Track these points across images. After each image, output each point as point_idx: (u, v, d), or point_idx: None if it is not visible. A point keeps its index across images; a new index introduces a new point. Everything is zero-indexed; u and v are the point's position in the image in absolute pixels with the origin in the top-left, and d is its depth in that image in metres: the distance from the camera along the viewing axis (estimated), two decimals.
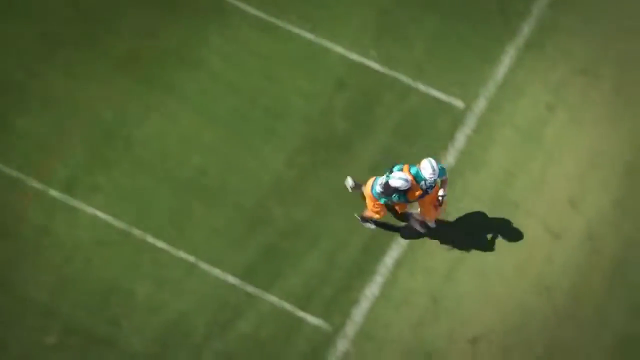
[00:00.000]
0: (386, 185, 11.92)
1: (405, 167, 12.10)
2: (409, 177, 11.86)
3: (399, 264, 12.79)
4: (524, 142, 13.76)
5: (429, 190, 12.01)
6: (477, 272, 12.70)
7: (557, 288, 12.55)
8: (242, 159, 13.73)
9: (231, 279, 12.73)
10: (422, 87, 14.25)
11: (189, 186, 13.45)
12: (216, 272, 12.77)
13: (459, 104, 14.10)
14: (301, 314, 12.48)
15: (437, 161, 12.28)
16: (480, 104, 14.11)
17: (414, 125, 13.96)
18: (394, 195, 12.01)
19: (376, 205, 12.40)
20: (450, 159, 13.59)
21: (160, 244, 12.88)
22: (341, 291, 12.58)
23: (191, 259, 12.83)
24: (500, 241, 12.92)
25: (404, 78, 14.36)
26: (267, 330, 12.32)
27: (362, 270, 12.72)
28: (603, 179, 13.31)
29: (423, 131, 13.93)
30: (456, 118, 13.99)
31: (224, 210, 13.18)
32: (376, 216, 12.54)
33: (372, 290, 12.68)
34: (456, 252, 12.84)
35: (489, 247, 12.89)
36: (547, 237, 12.97)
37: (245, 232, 13.13)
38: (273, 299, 12.58)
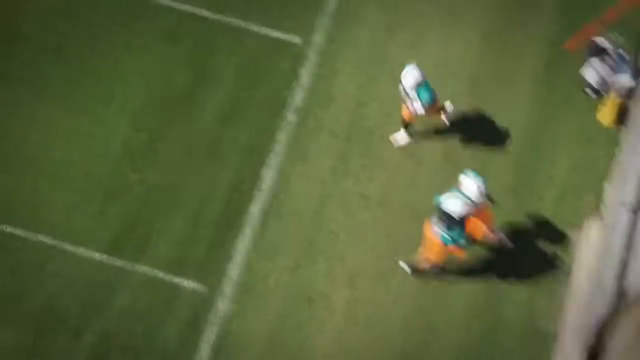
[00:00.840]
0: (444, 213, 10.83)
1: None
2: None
3: (266, 212, 12.35)
4: (368, 67, 13.53)
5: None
6: (343, 205, 12.43)
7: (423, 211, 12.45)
8: (84, 128, 12.69)
9: (97, 256, 11.97)
10: (255, 28, 13.71)
11: (32, 164, 12.29)
12: (80, 250, 11.91)
13: (296, 39, 13.66)
14: (176, 279, 11.96)
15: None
16: (318, 37, 13.78)
17: (254, 68, 13.53)
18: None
19: (438, 250, 11.22)
20: (297, 98, 13.18)
21: (13, 230, 11.84)
22: (212, 249, 12.11)
23: (50, 240, 11.89)
24: (361, 170, 12.66)
25: (234, 21, 13.72)
26: (144, 302, 11.75)
27: (230, 224, 12.26)
28: (450, 95, 13.19)
29: (265, 73, 13.53)
30: (296, 55, 13.63)
31: (75, 183, 12.28)
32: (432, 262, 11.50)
33: (244, 243, 12.25)
34: (320, 190, 12.49)
35: (352, 178, 12.61)
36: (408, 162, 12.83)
37: (103, 204, 12.33)
38: (144, 269, 12.00)
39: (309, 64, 13.46)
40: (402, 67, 12.54)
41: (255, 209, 12.42)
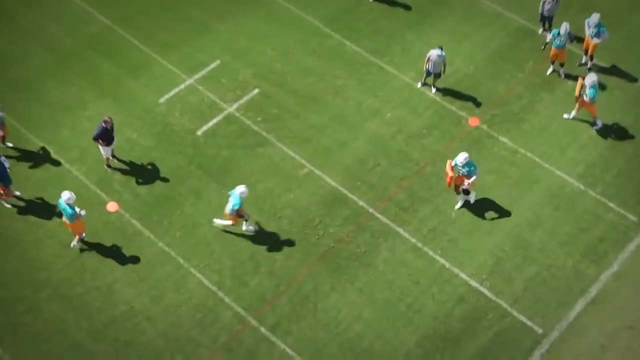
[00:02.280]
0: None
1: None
2: None
3: None
4: None
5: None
6: None
7: None
8: (387, 335, 19.04)
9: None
10: (515, 313, 19.32)
11: (348, 346, 18.70)
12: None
13: (538, 329, 18.98)
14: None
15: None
16: (554, 334, 18.96)
17: (506, 337, 18.87)
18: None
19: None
20: None
21: None
22: None
23: None
24: None
25: (504, 304, 19.54)
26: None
27: None
28: None
29: (512, 343, 18.81)
30: (535, 339, 18.83)
31: None
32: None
33: None
34: None
35: None
36: None
37: None
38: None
39: (542, 348, 18.81)
40: None
41: None
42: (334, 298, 19.32)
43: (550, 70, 23.18)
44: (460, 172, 19.68)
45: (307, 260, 20.08)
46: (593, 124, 21.69)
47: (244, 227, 19.92)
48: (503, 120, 22.95)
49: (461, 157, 19.53)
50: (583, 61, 23.11)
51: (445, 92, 23.34)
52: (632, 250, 20.23)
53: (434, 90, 22.71)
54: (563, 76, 23.13)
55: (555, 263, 20.16)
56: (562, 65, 23.10)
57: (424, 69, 22.76)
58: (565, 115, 21.89)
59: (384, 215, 20.95)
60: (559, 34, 22.35)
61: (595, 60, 23.47)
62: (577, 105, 21.61)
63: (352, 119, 22.88)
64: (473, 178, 19.48)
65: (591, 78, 20.92)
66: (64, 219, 19.04)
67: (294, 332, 18.85)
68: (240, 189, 19.22)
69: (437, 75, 22.60)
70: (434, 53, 22.03)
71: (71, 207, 18.56)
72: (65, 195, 18.59)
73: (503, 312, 19.39)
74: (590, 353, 18.67)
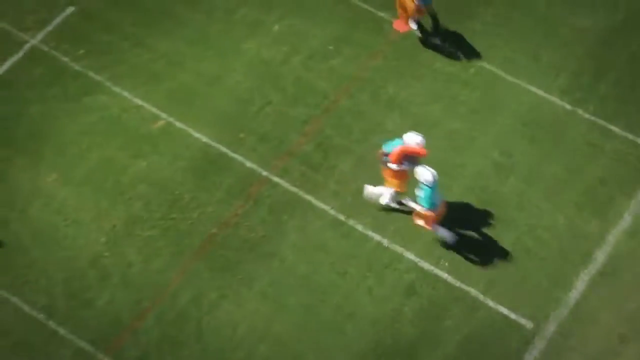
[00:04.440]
0: None
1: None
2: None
3: None
4: None
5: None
6: None
7: None
8: (309, 356, 18.80)
9: None
10: (491, 303, 19.44)
11: None
12: None
13: (528, 324, 19.23)
14: None
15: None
16: (550, 327, 19.15)
17: (481, 341, 18.93)
18: None
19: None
20: None
21: None
22: None
23: None
24: None
25: (473, 291, 19.59)
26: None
27: None
28: None
29: (490, 348, 18.85)
30: (524, 338, 18.96)
31: None
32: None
33: None
34: None
35: None
36: None
37: None
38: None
39: (535, 350, 18.94)
40: None
41: None
42: (226, 309, 19.21)
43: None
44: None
45: (178, 259, 19.81)
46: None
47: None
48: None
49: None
50: None
51: None
52: None
53: None
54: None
55: (540, 222, 20.23)
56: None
57: None
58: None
59: (285, 178, 20.83)
60: None
61: None
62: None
63: (222, 40, 22.69)
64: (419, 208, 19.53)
65: None
66: None
67: None
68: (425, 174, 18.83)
69: None
70: None
71: None
72: None
73: (473, 303, 19.42)
74: (605, 348, 18.96)
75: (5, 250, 19.87)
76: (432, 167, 19.18)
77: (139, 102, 21.86)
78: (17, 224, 20.31)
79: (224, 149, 21.29)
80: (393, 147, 19.23)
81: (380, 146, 19.77)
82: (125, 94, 21.98)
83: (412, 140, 19.11)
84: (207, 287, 19.60)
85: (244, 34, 22.88)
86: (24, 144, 21.36)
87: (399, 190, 19.75)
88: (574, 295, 19.51)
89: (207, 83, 22.17)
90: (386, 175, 19.53)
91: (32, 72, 22.31)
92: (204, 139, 21.42)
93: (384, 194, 19.92)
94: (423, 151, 19.02)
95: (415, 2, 21.07)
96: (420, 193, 18.90)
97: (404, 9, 21.40)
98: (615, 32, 22.80)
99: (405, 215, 20.04)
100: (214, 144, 21.37)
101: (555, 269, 19.75)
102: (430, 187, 18.63)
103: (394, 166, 19.36)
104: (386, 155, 19.38)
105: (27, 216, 20.31)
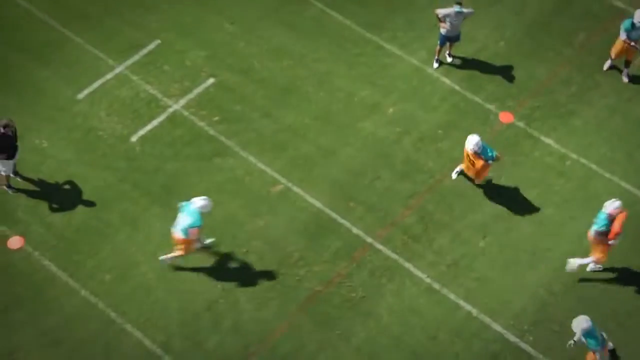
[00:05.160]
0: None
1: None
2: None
3: None
4: None
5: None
6: None
7: None
8: None
9: None
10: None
11: None
12: None
13: None
14: None
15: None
16: None
17: None
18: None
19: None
20: None
21: None
22: None
23: None
24: None
25: None
26: None
27: None
28: None
29: None
30: None
31: None
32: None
33: None
34: None
35: None
36: None
37: None
38: None
39: None
40: None
41: None
42: None
43: (607, 66, 24.19)
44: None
45: (284, 310, 20.58)
46: None
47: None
48: (546, 114, 23.90)
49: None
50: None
51: (468, 77, 24.24)
52: None
53: (450, 59, 23.94)
54: (627, 79, 24.25)
55: (622, 307, 20.87)
56: (628, 64, 24.12)
57: (439, 36, 23.79)
58: None
59: (388, 246, 21.65)
60: (633, 25, 23.26)
61: None
62: None
63: (342, 118, 23.73)
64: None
65: None
66: None
67: None
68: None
69: (456, 39, 23.76)
70: (452, 11, 23.24)
71: None
72: None
73: None
74: None
75: (133, 287, 21.09)
76: (521, 246, 21.09)
77: (263, 166, 22.79)
78: (146, 266, 21.45)
79: (334, 215, 22.15)
80: (603, 222, 20.30)
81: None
82: (251, 158, 22.91)
83: (612, 206, 20.30)
84: (308, 339, 20.38)
85: (362, 114, 23.85)
86: (157, 195, 22.27)
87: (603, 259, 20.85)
88: None
89: (324, 154, 23.04)
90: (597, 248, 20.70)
91: (171, 133, 23.28)
92: (317, 204, 22.26)
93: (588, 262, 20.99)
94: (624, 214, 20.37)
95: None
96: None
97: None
98: None
99: (494, 291, 20.84)
100: (325, 209, 22.22)
101: (636, 347, 20.28)
102: None
103: (615, 242, 20.46)
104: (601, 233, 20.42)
105: (156, 259, 21.25)
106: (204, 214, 20.01)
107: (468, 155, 21.13)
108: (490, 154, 21.04)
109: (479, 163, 21.02)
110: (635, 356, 20.29)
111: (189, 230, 19.98)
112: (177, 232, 20.04)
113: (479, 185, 22.40)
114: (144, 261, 21.21)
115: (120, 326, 20.42)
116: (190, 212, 19.94)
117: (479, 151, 20.99)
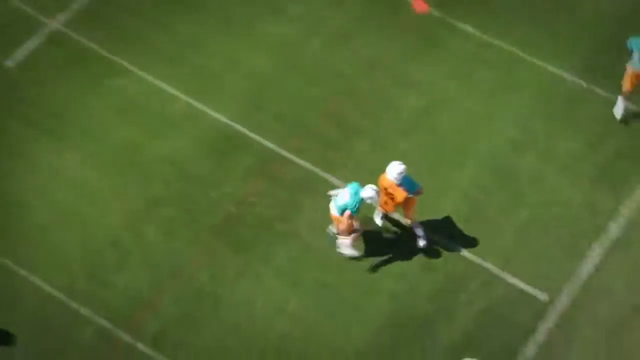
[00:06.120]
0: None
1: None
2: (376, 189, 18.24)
3: None
4: (607, 344, 18.68)
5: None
6: None
7: None
8: (325, 330, 18.92)
9: None
10: (506, 277, 19.52)
11: (272, 351, 18.68)
12: None
13: (542, 296, 19.31)
14: None
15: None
16: (564, 299, 19.19)
17: (496, 313, 18.99)
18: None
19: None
20: (529, 352, 18.67)
21: None
22: None
23: None
24: None
25: (490, 267, 19.68)
26: None
27: None
28: None
29: (504, 321, 18.97)
30: (539, 311, 19.03)
31: None
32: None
33: None
34: None
35: None
36: None
37: None
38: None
39: (549, 322, 19.00)
40: None
41: None
42: (244, 286, 19.28)
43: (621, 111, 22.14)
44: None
45: (197, 238, 19.94)
46: None
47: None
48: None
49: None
50: None
51: None
52: None
53: None
54: None
55: (557, 198, 20.38)
56: None
57: None
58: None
59: (304, 157, 20.94)
60: None
61: None
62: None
63: (242, 21, 22.95)
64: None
65: None
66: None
67: (189, 343, 18.73)
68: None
69: None
70: None
71: None
72: None
73: (490, 278, 19.53)
74: (618, 319, 19.03)
75: (25, 229, 19.99)
76: (448, 145, 20.10)
77: (159, 83, 22.01)
78: (38, 203, 20.43)
79: (243, 129, 21.30)
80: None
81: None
82: (145, 75, 22.04)
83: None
84: (226, 265, 19.64)
85: (265, 17, 22.89)
86: (47, 125, 21.46)
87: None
88: (588, 268, 19.56)
89: (226, 65, 22.26)
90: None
91: (54, 55, 22.38)
92: (223, 119, 21.43)
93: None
94: None
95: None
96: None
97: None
98: (635, 13, 22.80)
99: (424, 189, 19.90)
100: (233, 124, 21.38)
101: (570, 242, 19.80)
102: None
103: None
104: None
105: (48, 196, 20.44)
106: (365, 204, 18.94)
107: (385, 188, 19.16)
108: (415, 188, 19.21)
109: (401, 195, 19.12)
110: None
111: (344, 212, 18.87)
112: (333, 209, 19.04)
113: (398, 87, 21.53)
114: (36, 198, 20.31)
115: (14, 272, 19.53)
116: (354, 194, 18.85)
117: (401, 182, 19.08)
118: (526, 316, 19.09)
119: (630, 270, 19.52)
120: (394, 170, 18.78)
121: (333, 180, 20.55)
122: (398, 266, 19.61)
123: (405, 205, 19.26)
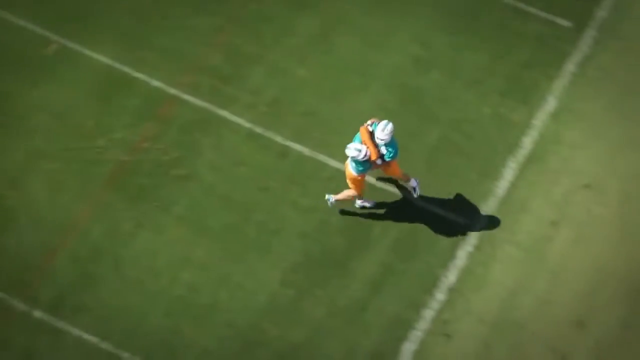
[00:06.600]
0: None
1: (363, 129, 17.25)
2: (363, 147, 16.98)
3: None
4: (527, 260, 18.27)
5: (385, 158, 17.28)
6: None
7: None
8: (236, 277, 18.04)
9: None
10: (421, 203, 18.79)
11: (179, 305, 17.81)
12: None
13: (459, 220, 18.66)
14: None
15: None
16: (482, 220, 18.62)
17: (412, 241, 18.42)
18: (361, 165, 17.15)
19: (356, 181, 17.51)
20: (451, 277, 18.08)
21: None
22: None
23: None
24: None
25: (399, 194, 18.95)
26: None
27: None
28: (609, 298, 17.95)
29: (422, 248, 18.39)
30: (457, 234, 18.52)
31: (216, 330, 17.56)
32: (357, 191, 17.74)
33: None
34: None
35: None
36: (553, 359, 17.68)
37: (239, 355, 17.47)
38: None
39: (468, 245, 18.40)
40: (563, 265, 17.92)
41: None
42: (144, 238, 18.44)
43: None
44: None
45: (88, 191, 18.90)
46: None
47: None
48: None
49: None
50: None
51: None
52: (571, 72, 20.27)
53: None
54: None
55: (465, 115, 19.80)
56: None
57: None
58: None
59: (195, 94, 19.89)
60: None
61: None
62: None
63: None
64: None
65: None
66: None
67: (89, 306, 17.86)
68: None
69: None
70: None
71: None
72: None
73: (401, 205, 19.03)
74: (538, 235, 18.72)
75: None
76: (347, 66, 19.32)
77: (26, 24, 20.72)
78: None
79: (126, 69, 20.29)
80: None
81: None
82: (9, 16, 20.85)
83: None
84: (121, 217, 18.76)
85: None
86: None
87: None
88: (504, 185, 19.16)
89: None
90: None
91: None
92: (103, 59, 20.37)
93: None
94: None
95: None
96: None
97: None
98: None
99: (326, 123, 19.66)
100: (114, 64, 20.34)
101: (483, 160, 19.32)
102: None
103: None
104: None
105: None
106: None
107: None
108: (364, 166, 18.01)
109: (350, 174, 18.14)
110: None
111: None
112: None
113: (289, 9, 20.83)
114: None
115: None
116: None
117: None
118: (444, 240, 18.59)
119: (546, 184, 19.10)
120: (388, 129, 17.61)
121: (229, 116, 19.72)
122: (306, 201, 18.87)
123: (390, 171, 18.33)
